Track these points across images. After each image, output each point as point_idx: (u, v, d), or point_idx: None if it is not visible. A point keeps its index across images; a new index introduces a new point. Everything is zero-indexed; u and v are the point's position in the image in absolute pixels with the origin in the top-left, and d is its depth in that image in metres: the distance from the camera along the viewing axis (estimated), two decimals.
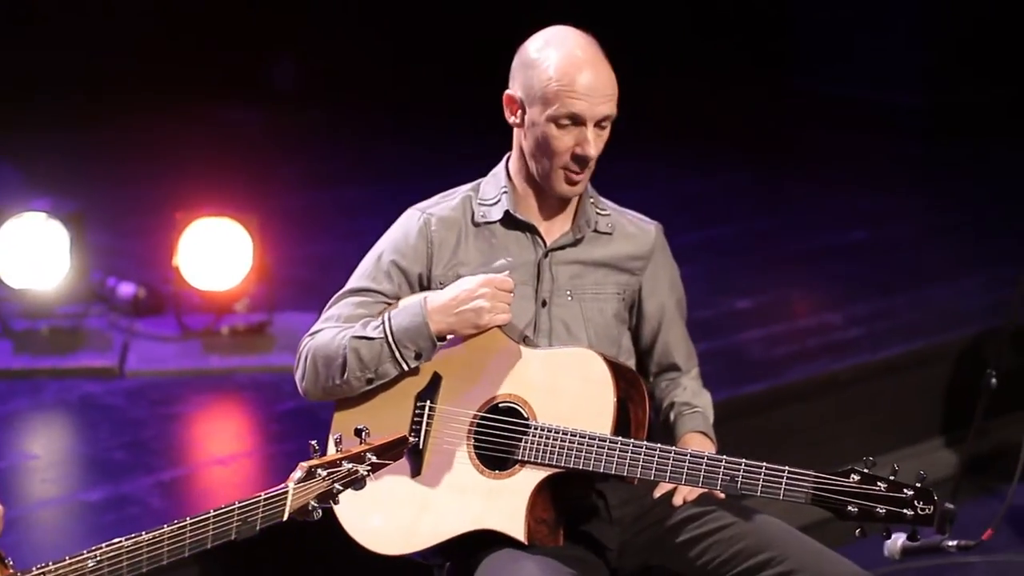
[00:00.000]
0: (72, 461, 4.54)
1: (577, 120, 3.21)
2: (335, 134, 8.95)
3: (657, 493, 3.30)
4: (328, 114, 9.24)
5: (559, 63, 3.22)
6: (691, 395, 3.53)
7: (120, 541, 2.58)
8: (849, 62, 9.52)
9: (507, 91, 3.32)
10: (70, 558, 2.56)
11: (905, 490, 3.04)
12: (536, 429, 3.21)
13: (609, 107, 3.24)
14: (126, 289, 5.64)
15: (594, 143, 3.24)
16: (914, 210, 7.63)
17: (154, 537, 2.61)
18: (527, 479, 3.21)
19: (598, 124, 3.24)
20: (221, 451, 4.59)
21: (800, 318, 5.81)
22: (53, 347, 5.24)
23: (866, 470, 3.06)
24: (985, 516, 4.78)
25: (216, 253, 5.35)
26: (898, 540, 3.29)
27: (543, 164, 3.28)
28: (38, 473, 4.40)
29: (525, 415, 3.23)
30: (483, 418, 3.25)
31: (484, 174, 3.46)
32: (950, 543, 3.34)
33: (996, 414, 5.61)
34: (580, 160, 3.24)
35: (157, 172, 7.71)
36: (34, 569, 2.53)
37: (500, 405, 3.26)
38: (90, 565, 2.56)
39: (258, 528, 2.73)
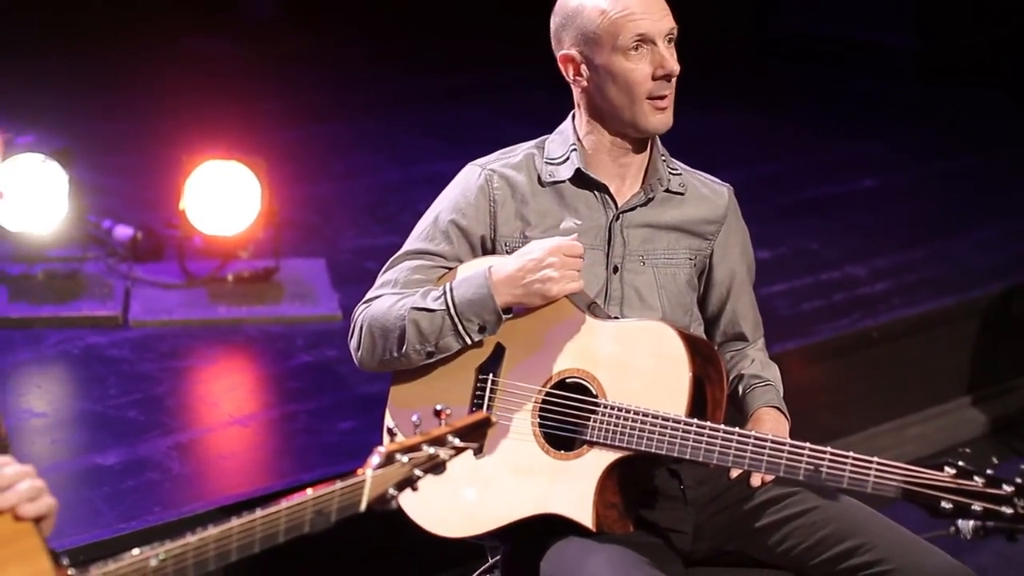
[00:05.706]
0: (82, 420, 4.26)
1: (647, 40, 3.06)
2: (319, 64, 8.62)
3: (734, 473, 3.11)
4: (310, 42, 8.90)
5: None
6: (760, 367, 3.33)
7: (186, 538, 2.37)
8: (843, 2, 9.29)
9: (560, 55, 3.14)
10: (130, 557, 2.33)
11: (1005, 486, 2.79)
12: (606, 408, 3.00)
13: (671, 19, 3.09)
14: (123, 232, 5.33)
15: (671, 57, 3.07)
16: (914, 156, 7.45)
17: (222, 532, 2.39)
18: (596, 461, 3.00)
19: (667, 39, 3.08)
20: (238, 410, 4.34)
21: (823, 271, 5.62)
22: (51, 294, 4.96)
23: (961, 463, 2.83)
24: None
25: (224, 197, 5.08)
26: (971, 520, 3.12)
27: (625, 104, 3.09)
28: (48, 433, 4.15)
29: (594, 392, 3.03)
30: (549, 394, 3.05)
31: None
32: None
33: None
34: (665, 79, 3.08)
35: (134, 107, 7.38)
36: (92, 569, 2.31)
37: (567, 380, 3.06)
38: (153, 564, 2.33)
39: (333, 520, 2.51)
